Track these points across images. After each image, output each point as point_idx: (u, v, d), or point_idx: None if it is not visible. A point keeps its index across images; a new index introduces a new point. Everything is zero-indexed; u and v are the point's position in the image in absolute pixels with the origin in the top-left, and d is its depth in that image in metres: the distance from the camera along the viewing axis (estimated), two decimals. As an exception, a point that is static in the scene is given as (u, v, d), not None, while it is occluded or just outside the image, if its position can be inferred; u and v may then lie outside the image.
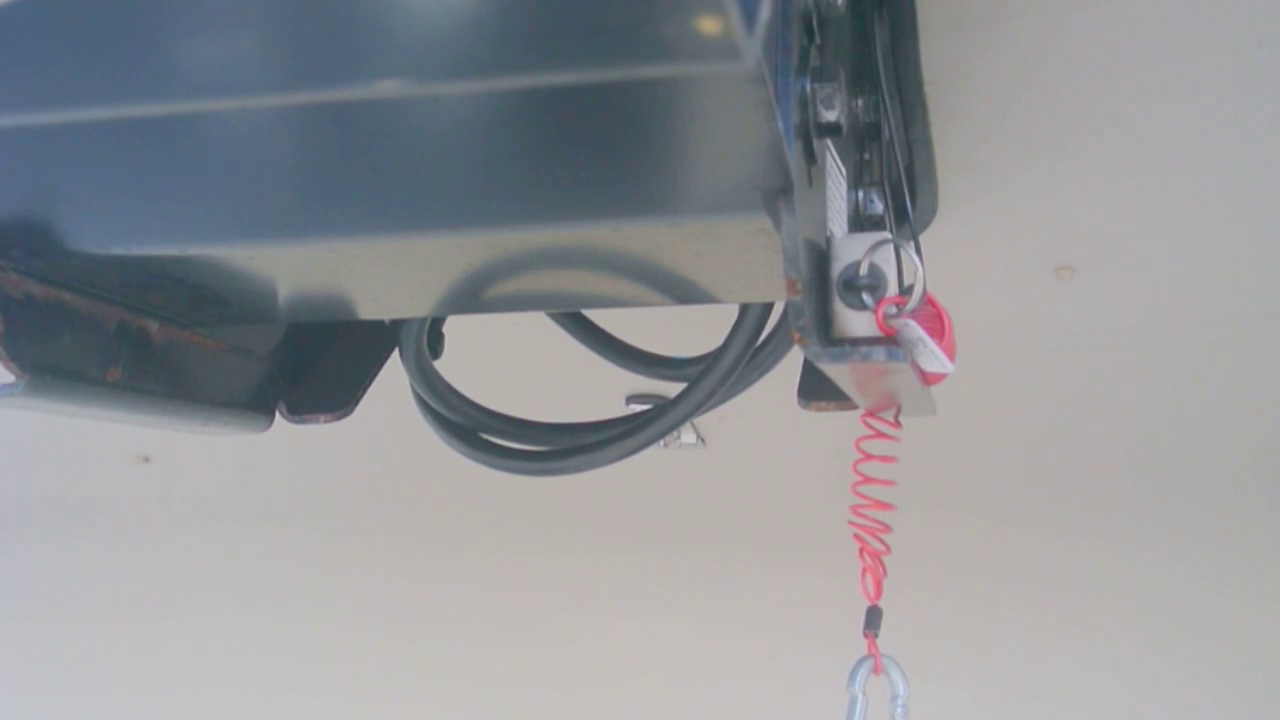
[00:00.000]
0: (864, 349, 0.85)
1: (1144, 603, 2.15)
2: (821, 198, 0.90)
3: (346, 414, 1.34)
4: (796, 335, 0.82)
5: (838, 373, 0.92)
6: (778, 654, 2.01)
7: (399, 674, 2.64)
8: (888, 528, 1.18)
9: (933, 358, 0.88)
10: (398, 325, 1.38)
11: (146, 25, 0.66)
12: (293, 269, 0.99)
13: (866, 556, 1.19)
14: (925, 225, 1.33)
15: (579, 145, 0.76)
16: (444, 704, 2.63)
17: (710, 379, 1.23)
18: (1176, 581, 2.12)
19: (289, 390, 1.33)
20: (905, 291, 0.88)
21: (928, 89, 1.18)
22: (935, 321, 0.89)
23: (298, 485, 2.35)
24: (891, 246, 0.88)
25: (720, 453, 2.11)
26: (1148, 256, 1.54)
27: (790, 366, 1.18)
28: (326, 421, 1.33)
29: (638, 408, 1.49)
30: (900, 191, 1.10)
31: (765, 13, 0.62)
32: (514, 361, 1.88)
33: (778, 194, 0.79)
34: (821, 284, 0.87)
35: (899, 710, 1.26)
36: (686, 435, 2.05)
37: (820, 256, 0.87)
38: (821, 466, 2.04)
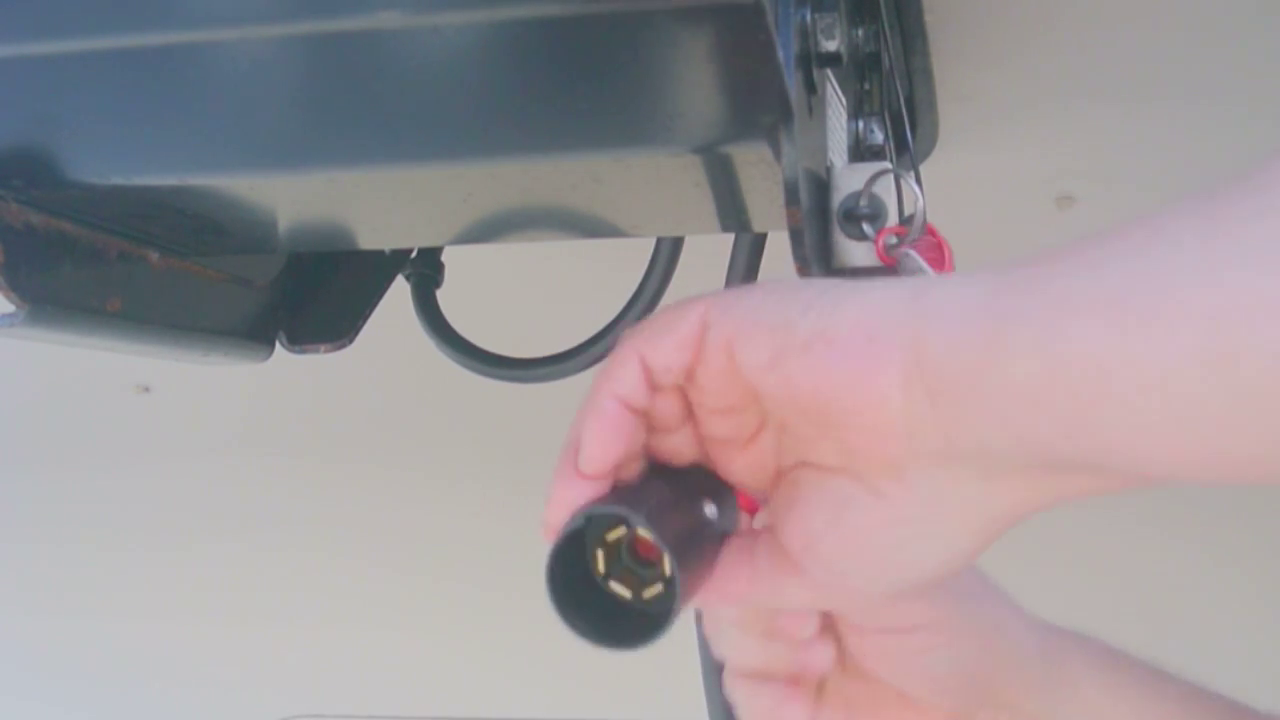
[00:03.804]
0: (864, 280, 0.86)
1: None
2: (822, 128, 0.90)
3: (347, 344, 1.34)
4: (798, 266, 0.82)
5: (838, 303, 0.93)
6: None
7: (402, 606, 2.65)
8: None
9: (933, 288, 0.88)
10: (398, 255, 1.38)
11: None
12: (293, 199, 0.99)
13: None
14: (926, 155, 1.32)
15: (579, 76, 0.76)
16: (444, 637, 2.65)
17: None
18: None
19: (289, 320, 1.33)
20: (905, 222, 0.88)
21: (927, 18, 1.17)
22: (935, 251, 0.89)
23: (298, 415, 2.35)
24: (892, 176, 0.88)
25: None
26: (1149, 187, 1.54)
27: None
28: (326, 351, 1.34)
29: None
30: (900, 121, 1.10)
31: (767, -58, 0.62)
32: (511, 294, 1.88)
33: (778, 124, 0.79)
34: (822, 214, 0.87)
35: None
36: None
37: (820, 186, 0.87)
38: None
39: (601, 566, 0.71)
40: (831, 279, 0.67)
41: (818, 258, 0.85)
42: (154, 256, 1.10)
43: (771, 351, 0.64)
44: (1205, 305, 0.50)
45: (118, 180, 0.91)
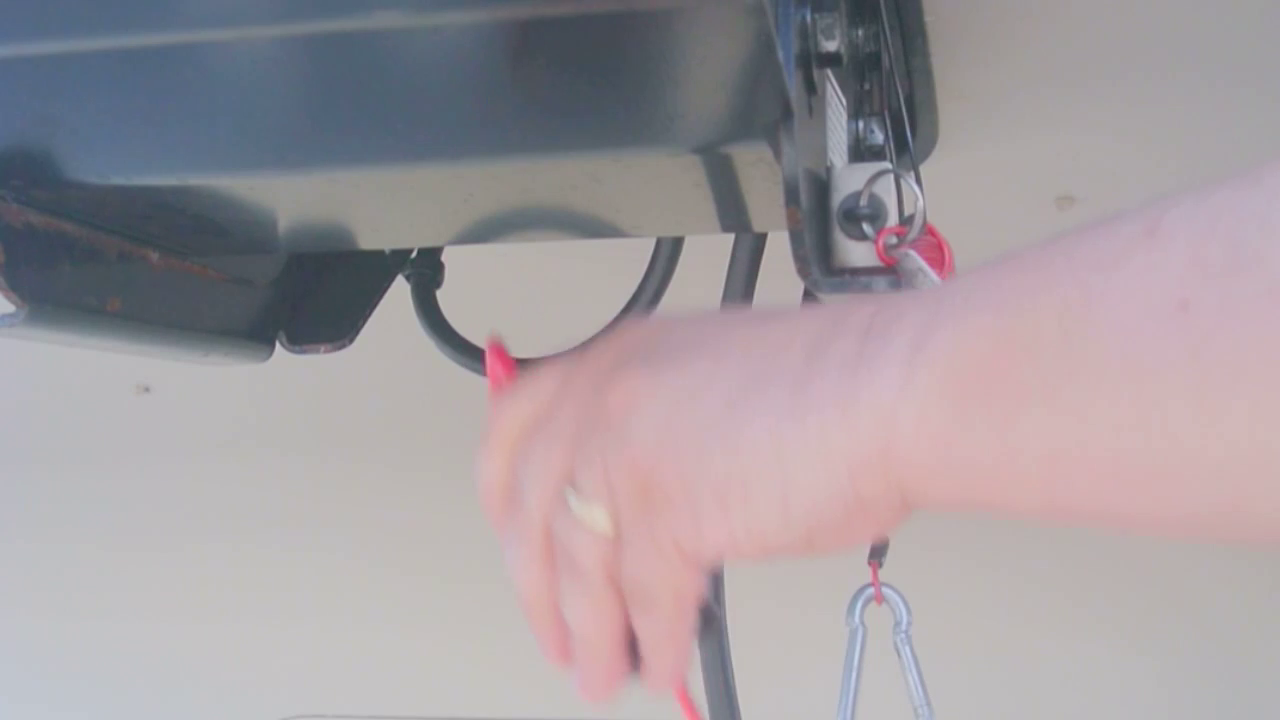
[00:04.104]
0: (864, 279, 0.85)
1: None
2: (822, 128, 0.90)
3: (347, 344, 1.34)
4: (798, 265, 0.82)
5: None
6: (775, 593, 2.03)
7: (402, 606, 2.65)
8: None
9: (933, 288, 0.88)
10: (398, 255, 1.38)
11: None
12: (293, 199, 0.99)
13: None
14: (925, 155, 1.32)
15: (579, 76, 0.76)
16: (445, 637, 2.64)
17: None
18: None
19: (289, 320, 1.33)
20: (905, 222, 0.88)
21: (928, 18, 1.17)
22: (935, 251, 0.89)
23: (298, 415, 2.35)
24: (891, 177, 0.88)
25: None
26: (1149, 187, 1.54)
27: (791, 298, 1.19)
28: (326, 351, 1.34)
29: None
30: (900, 121, 1.10)
31: (766, -58, 0.62)
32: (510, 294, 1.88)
33: (778, 124, 0.79)
34: (822, 214, 0.87)
35: (901, 638, 1.27)
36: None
37: (820, 186, 0.87)
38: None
39: None
40: (745, 390, 0.62)
41: (818, 258, 0.85)
42: (154, 256, 1.10)
43: (760, 549, 0.62)
44: (1215, 462, 0.48)
45: (118, 180, 0.91)
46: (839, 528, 0.60)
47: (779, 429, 0.59)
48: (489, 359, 0.78)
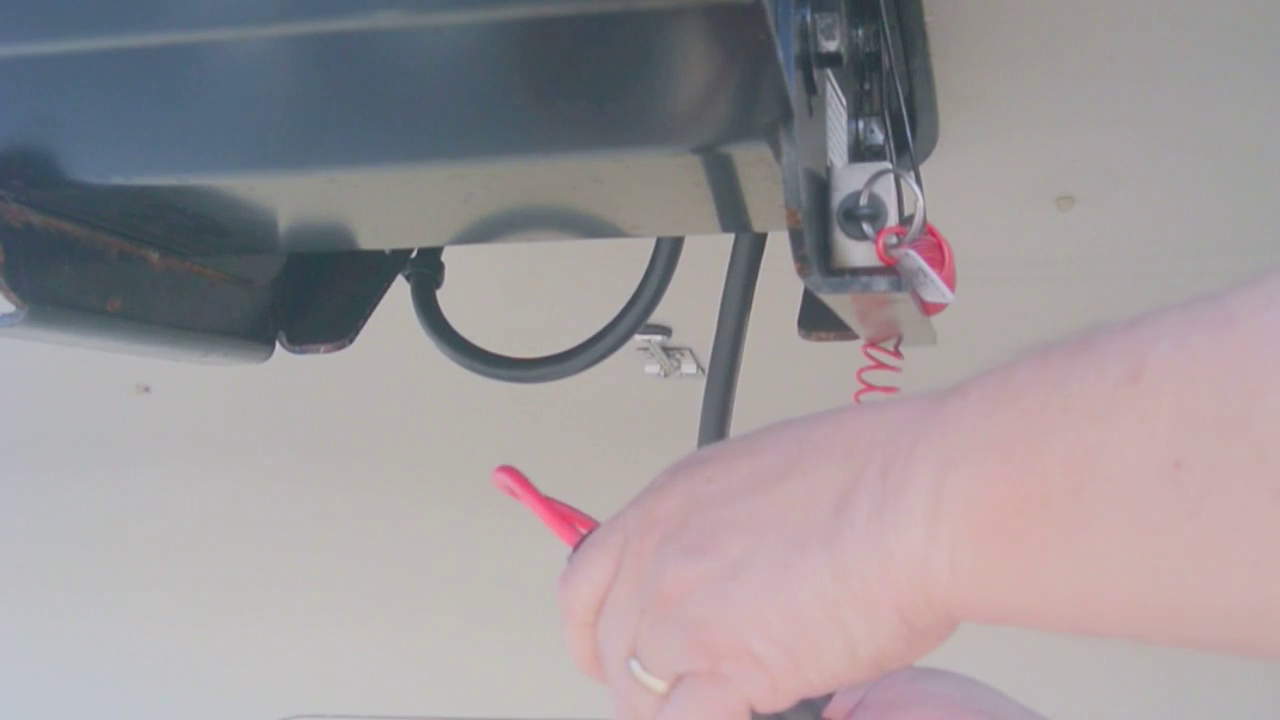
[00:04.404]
0: (864, 279, 0.86)
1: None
2: (822, 128, 0.90)
3: (347, 344, 1.34)
4: (797, 265, 0.82)
5: (838, 303, 0.93)
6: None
7: (402, 606, 2.65)
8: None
9: (933, 288, 0.88)
10: (398, 255, 1.38)
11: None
12: (294, 199, 0.99)
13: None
14: (925, 155, 1.32)
15: (579, 76, 0.76)
16: (445, 637, 2.65)
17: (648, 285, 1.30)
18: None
19: (289, 320, 1.33)
20: (905, 222, 0.88)
21: (927, 18, 1.17)
22: (935, 251, 0.89)
23: (298, 415, 2.35)
24: (891, 177, 0.87)
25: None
26: (1149, 187, 1.54)
27: (791, 298, 1.19)
28: (327, 351, 1.34)
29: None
30: (900, 121, 1.09)
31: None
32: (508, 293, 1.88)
33: (778, 124, 0.79)
34: (821, 214, 0.87)
35: None
36: (686, 365, 2.05)
37: (820, 186, 0.87)
38: (822, 397, 2.04)
39: None
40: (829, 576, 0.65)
41: (818, 258, 0.84)
42: (154, 256, 1.10)
43: (833, 687, 0.67)
44: (1224, 610, 0.52)
45: (118, 180, 0.91)
46: (903, 654, 0.65)
47: (828, 593, 0.64)
48: (505, 478, 0.81)
